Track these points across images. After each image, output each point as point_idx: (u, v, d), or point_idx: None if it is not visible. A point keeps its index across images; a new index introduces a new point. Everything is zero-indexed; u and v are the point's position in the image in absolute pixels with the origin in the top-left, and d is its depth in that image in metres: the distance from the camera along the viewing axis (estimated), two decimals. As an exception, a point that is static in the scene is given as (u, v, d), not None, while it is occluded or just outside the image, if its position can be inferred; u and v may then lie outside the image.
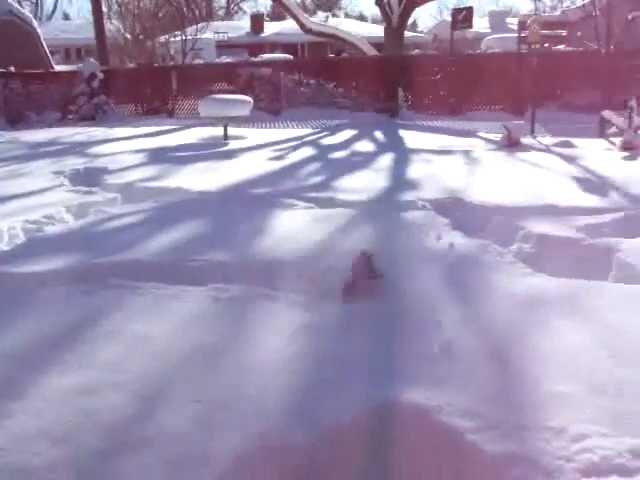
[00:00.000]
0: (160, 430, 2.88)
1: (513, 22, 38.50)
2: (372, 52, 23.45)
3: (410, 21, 42.94)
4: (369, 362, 3.46)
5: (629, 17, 15.20)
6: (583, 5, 23.01)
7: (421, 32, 51.91)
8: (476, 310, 4.13)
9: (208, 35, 36.71)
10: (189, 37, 29.18)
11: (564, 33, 22.42)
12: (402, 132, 14.94)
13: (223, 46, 41.67)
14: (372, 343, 3.69)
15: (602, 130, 13.22)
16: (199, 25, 32.46)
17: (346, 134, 14.89)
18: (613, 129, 12.67)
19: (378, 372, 3.34)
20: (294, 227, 6.13)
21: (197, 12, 47.95)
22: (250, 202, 7.40)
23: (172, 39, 31.57)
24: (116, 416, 3.01)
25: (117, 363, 3.49)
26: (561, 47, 19.78)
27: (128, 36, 34.92)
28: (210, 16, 52.25)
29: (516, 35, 20.25)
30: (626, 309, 4.08)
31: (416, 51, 28.67)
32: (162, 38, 33.15)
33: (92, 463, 2.71)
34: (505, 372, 3.33)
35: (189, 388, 3.22)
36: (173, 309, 4.20)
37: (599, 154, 10.76)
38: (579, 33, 21.93)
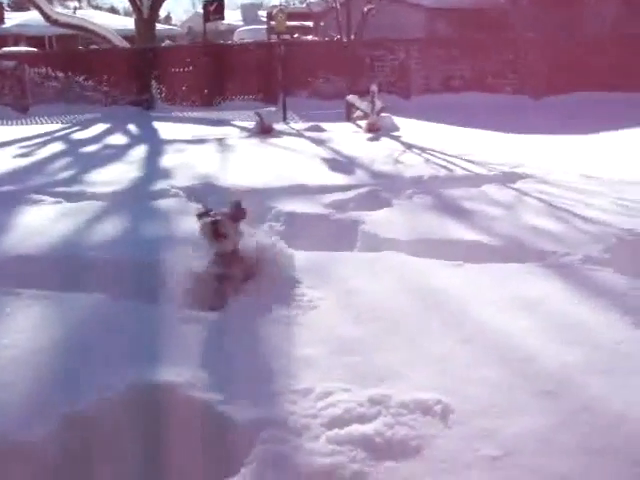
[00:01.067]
0: None
1: (265, 15, 39.30)
2: (124, 44, 22.85)
3: (164, 14, 42.54)
4: (114, 348, 3.36)
5: (365, 10, 16.08)
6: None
7: (175, 25, 51.41)
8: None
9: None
10: None
11: (310, 24, 23.26)
12: (156, 124, 14.73)
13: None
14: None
15: (348, 114, 13.91)
16: None
17: (98, 128, 14.40)
18: (358, 113, 13.35)
19: (125, 355, 3.26)
20: (41, 222, 5.82)
21: None
22: (-8, 201, 6.91)
23: None
24: None
25: None
26: (309, 37, 20.48)
27: None
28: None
29: (265, 27, 20.71)
30: (367, 275, 4.32)
31: (167, 42, 28.33)
32: None
33: None
34: (254, 344, 3.39)
35: None
36: None
37: (347, 136, 11.31)
38: (322, 23, 22.84)
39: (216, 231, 4.07)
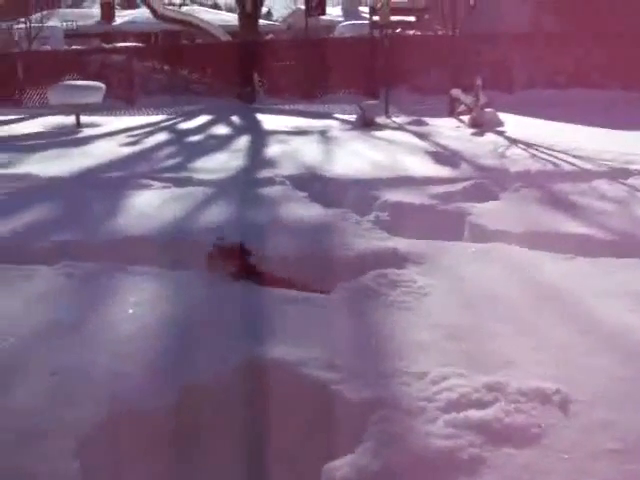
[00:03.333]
0: (12, 405, 2.74)
1: (366, 10, 39.22)
2: (227, 39, 23.27)
3: (265, 10, 42.99)
4: (228, 325, 3.42)
5: (471, 2, 15.84)
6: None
7: (276, 21, 51.99)
8: (336, 271, 4.20)
9: (55, 23, 35.23)
10: (34, 24, 27.91)
11: (413, 19, 23.08)
12: (258, 116, 14.91)
13: (72, 35, 40.07)
14: (232, 309, 3.66)
15: (452, 109, 13.72)
16: (44, 12, 31.09)
17: (202, 119, 14.69)
18: (462, 108, 13.16)
19: (238, 334, 3.32)
20: (150, 205, 6.00)
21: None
22: (104, 185, 7.17)
23: (16, 25, 30.06)
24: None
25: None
26: (411, 32, 20.33)
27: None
28: (56, 3, 50.11)
29: (368, 22, 20.67)
30: (477, 264, 4.26)
31: (270, 36, 28.66)
32: (4, 24, 31.50)
33: None
34: (367, 326, 3.39)
35: (43, 361, 3.07)
36: (24, 288, 4.00)
37: (450, 130, 11.17)
38: (427, 16, 22.64)
39: None
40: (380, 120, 12.64)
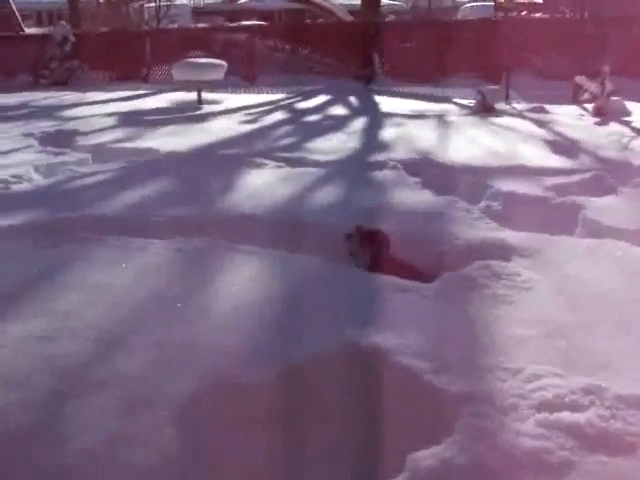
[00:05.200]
0: (118, 373, 2.88)
1: (491, -9, 38.32)
2: (349, 18, 23.26)
3: (388, -11, 42.66)
4: (331, 309, 3.47)
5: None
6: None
7: (398, 1, 51.51)
8: (441, 259, 4.17)
9: (183, 1, 36.22)
10: (164, 3, 28.72)
11: (540, 0, 22.36)
12: (376, 98, 14.86)
13: (199, 13, 41.10)
14: (337, 292, 3.71)
15: (575, 96, 13.24)
16: (174, -9, 31.94)
17: (320, 99, 14.79)
18: (586, 95, 12.69)
19: (340, 317, 3.36)
20: (263, 184, 6.12)
21: (173, -22, 47.13)
22: (221, 162, 7.36)
23: (146, 4, 31.10)
24: (74, 361, 3.00)
25: (76, 312, 3.47)
26: (537, 15, 19.70)
27: (101, 0, 34.34)
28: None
29: (492, 4, 20.17)
30: (586, 261, 4.13)
31: (392, 17, 28.45)
32: (136, 4, 32.65)
33: (48, 405, 2.70)
34: (467, 317, 3.37)
35: (149, 333, 3.21)
36: (137, 260, 4.19)
37: (571, 119, 10.80)
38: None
39: None
40: (499, 106, 12.36)
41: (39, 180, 7.18)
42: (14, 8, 28.69)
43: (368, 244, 4.36)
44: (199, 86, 14.37)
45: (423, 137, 9.04)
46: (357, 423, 2.93)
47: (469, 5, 33.73)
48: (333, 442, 2.87)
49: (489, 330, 3.21)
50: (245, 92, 17.42)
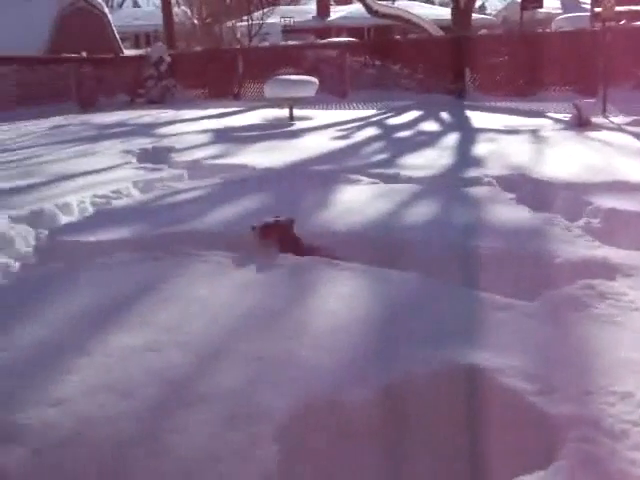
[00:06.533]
0: (220, 386, 2.92)
1: (587, 1, 37.41)
2: (439, 34, 23.15)
3: (478, 4, 42.29)
4: (431, 327, 3.43)
5: None
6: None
7: (489, 14, 50.96)
8: (542, 277, 4.07)
9: (274, 20, 36.82)
10: (255, 22, 29.31)
11: (640, 8, 21.69)
12: (468, 112, 14.74)
13: (289, 31, 41.68)
14: (438, 310, 3.66)
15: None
16: (265, 10, 32.56)
17: (411, 115, 14.76)
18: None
19: (441, 336, 3.31)
20: (358, 200, 6.12)
21: (263, -3, 48.05)
22: (315, 178, 7.42)
23: (239, 24, 31.76)
24: (178, 373, 3.05)
25: (179, 324, 3.54)
26: (638, 23, 19.02)
27: (196, 21, 35.27)
28: (276, 0, 52.29)
29: (589, 14, 19.71)
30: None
31: (483, 31, 28.15)
32: (229, 23, 33.39)
33: (154, 416, 2.75)
34: (571, 338, 3.27)
35: (249, 347, 3.24)
36: (235, 275, 4.24)
37: (675, 133, 10.42)
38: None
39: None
40: (596, 120, 12.05)
41: (138, 196, 7.39)
42: (115, 31, 29.78)
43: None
44: (291, 103, 14.56)
45: (517, 152, 8.89)
46: (458, 445, 2.87)
47: (564, 16, 33.04)
48: (434, 464, 2.82)
49: (595, 351, 3.10)
50: (336, 108, 17.57)
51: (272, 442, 2.60)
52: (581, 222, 5.61)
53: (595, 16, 17.21)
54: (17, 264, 5.21)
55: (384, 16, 25.56)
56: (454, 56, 18.72)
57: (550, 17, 34.83)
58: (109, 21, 29.69)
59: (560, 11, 39.17)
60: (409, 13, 25.50)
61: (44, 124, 15.93)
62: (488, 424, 2.85)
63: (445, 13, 35.60)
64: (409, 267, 4.31)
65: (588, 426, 2.54)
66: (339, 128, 12.64)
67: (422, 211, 5.64)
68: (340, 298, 3.81)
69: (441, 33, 23.27)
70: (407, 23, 25.36)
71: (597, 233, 5.23)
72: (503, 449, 2.76)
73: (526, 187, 6.73)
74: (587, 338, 3.24)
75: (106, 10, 30.22)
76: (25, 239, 5.61)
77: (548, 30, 25.79)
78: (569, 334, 3.31)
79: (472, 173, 7.42)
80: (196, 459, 2.52)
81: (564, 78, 17.54)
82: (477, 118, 13.65)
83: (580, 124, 11.47)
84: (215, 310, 3.71)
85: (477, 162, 8.21)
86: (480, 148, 9.41)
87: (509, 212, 5.67)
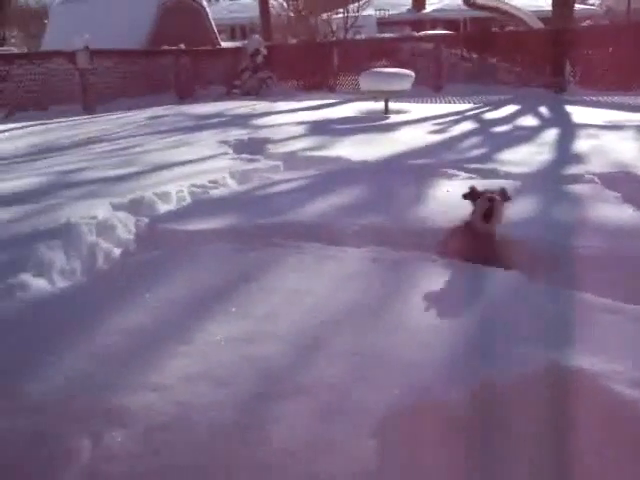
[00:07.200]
0: (317, 379, 2.91)
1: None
2: (539, 26, 22.58)
3: (582, -6, 41.07)
4: (529, 328, 3.33)
5: None
6: None
7: (592, 5, 49.41)
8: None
9: (369, 12, 36.72)
10: (351, 14, 29.29)
11: None
12: (568, 107, 14.31)
13: (384, 23, 41.53)
14: (535, 311, 3.56)
15: None
16: (361, 2, 32.49)
17: (509, 109, 14.45)
18: None
19: (539, 337, 3.22)
20: (456, 196, 6.01)
21: (359, -11, 47.96)
22: (410, 172, 7.35)
23: (334, 16, 31.80)
24: (274, 364, 3.06)
25: (275, 315, 3.56)
26: None
27: (291, 13, 35.51)
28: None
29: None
30: None
31: (587, 22, 27.31)
32: (324, 15, 33.48)
33: (251, 405, 2.77)
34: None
35: (346, 341, 3.23)
36: (332, 268, 4.23)
37: None
38: None
39: (489, 211, 4.23)
40: None
41: (234, 186, 7.47)
42: (212, 23, 30.29)
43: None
44: (386, 95, 14.47)
45: (621, 149, 8.57)
46: (558, 451, 2.78)
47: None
48: (531, 470, 2.74)
49: None
50: (432, 102, 17.39)
51: (370, 438, 2.58)
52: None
53: None
54: (118, 250, 5.34)
55: (481, 8, 25.13)
56: (554, 49, 18.19)
57: (657, 8, 33.50)
58: (207, 14, 30.18)
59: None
60: (507, 4, 24.95)
61: (143, 114, 16.36)
62: (591, 431, 2.74)
63: (545, 4, 34.71)
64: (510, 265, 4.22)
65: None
66: (435, 122, 12.48)
67: (521, 208, 5.48)
68: (438, 295, 3.76)
69: (540, 25, 22.69)
70: (505, 15, 24.86)
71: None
72: (607, 457, 2.66)
73: (632, 186, 6.48)
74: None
75: (205, 3, 30.73)
76: (126, 226, 5.74)
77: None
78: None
79: (573, 170, 7.20)
80: (294, 450, 2.52)
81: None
82: (577, 113, 13.25)
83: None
84: (312, 302, 3.71)
85: (578, 159, 7.96)
86: (581, 144, 9.12)
87: (614, 211, 5.46)
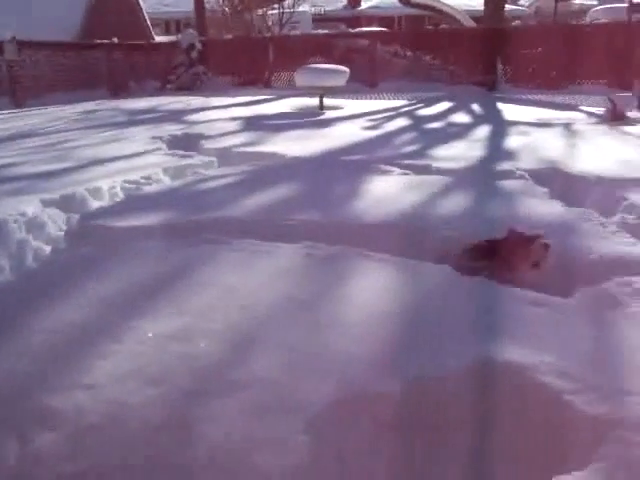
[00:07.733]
0: (251, 376, 2.90)
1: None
2: (471, 25, 22.93)
3: (511, -5, 41.81)
4: (460, 321, 3.38)
5: None
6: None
7: (522, 6, 50.36)
8: (577, 273, 4.01)
9: (305, 8, 36.70)
10: (286, 10, 29.24)
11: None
12: (500, 105, 14.60)
13: (319, 20, 41.53)
14: (467, 305, 3.61)
15: None
16: (296, -2, 32.45)
17: (442, 106, 14.65)
18: None
19: (471, 331, 3.27)
20: (389, 191, 6.07)
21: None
22: (345, 168, 7.38)
23: (270, 12, 31.70)
24: (208, 361, 3.03)
25: (209, 312, 3.52)
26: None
27: (227, 9, 35.26)
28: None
29: (626, 5, 19.40)
30: None
31: (516, 22, 27.87)
32: (260, 11, 33.34)
33: (184, 403, 2.74)
34: (606, 336, 3.21)
35: (280, 337, 3.22)
36: (265, 264, 4.22)
37: None
38: None
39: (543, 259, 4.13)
40: (632, 114, 11.87)
41: (168, 182, 7.38)
42: (146, 17, 29.84)
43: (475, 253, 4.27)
44: (321, 91, 14.50)
45: (550, 146, 8.79)
46: (492, 442, 2.83)
47: (599, 8, 32.56)
48: (464, 463, 2.78)
49: (632, 350, 3.04)
50: (366, 98, 17.50)
51: (303, 433, 2.57)
52: (616, 218, 5.51)
53: (632, 7, 16.93)
54: (48, 248, 5.22)
55: (416, 6, 25.39)
56: (486, 48, 18.53)
57: (584, 8, 34.38)
58: (141, 8, 29.73)
59: (595, 2, 38.62)
60: (441, 3, 25.25)
61: (75, 109, 16.04)
62: (524, 422, 2.80)
63: (477, 4, 35.27)
64: (442, 260, 4.27)
65: (627, 428, 2.49)
66: (369, 118, 12.57)
67: (454, 204, 5.58)
68: (372, 290, 3.77)
69: (473, 24, 23.05)
70: (439, 13, 25.15)
71: (633, 230, 5.12)
72: (539, 448, 2.72)
73: (559, 181, 6.64)
74: (626, 337, 3.18)
75: (138, -5, 30.26)
76: (56, 223, 5.62)
77: (582, 22, 25.47)
78: (605, 332, 3.25)
79: (504, 166, 7.34)
80: (228, 448, 2.50)
81: (598, 71, 17.28)
82: (508, 111, 13.51)
83: (614, 118, 11.31)
84: (246, 299, 3.69)
85: (509, 155, 8.12)
86: (512, 141, 9.31)
87: (542, 206, 5.58)
